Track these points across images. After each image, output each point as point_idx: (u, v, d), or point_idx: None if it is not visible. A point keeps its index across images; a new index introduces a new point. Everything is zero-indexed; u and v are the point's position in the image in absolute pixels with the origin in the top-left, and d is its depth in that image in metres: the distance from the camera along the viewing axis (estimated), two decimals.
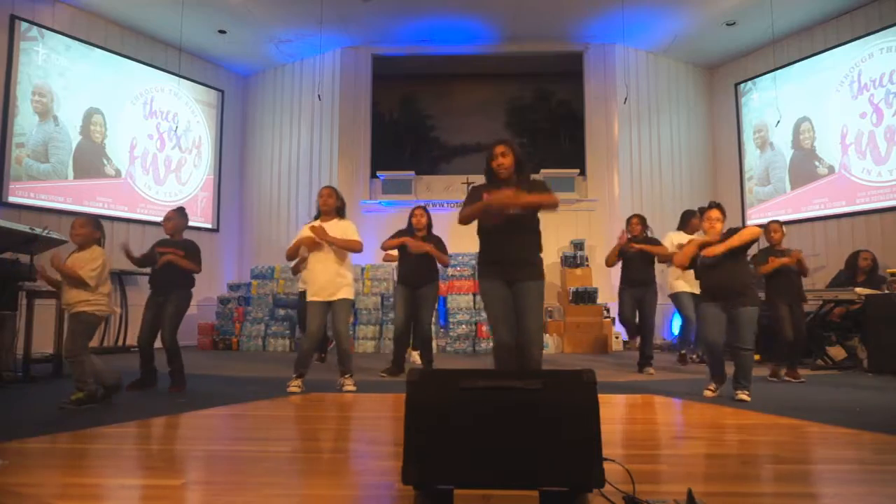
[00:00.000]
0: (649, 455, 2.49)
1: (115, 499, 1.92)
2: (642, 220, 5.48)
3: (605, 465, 1.57)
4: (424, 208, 5.18)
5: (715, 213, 3.97)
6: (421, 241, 4.94)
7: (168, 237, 4.43)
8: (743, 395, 3.75)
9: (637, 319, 5.40)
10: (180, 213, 4.49)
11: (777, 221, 5.01)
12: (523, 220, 3.04)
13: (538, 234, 3.15)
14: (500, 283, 3.05)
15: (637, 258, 5.29)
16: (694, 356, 5.97)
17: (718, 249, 3.81)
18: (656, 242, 5.38)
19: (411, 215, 5.11)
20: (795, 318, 4.76)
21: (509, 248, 3.05)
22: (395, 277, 5.21)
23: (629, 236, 5.40)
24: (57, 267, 3.48)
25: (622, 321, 5.52)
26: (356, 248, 4.18)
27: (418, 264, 4.96)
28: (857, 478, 2.13)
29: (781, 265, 4.70)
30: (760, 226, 4.45)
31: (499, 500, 1.76)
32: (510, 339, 3.02)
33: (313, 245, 4.11)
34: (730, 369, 3.94)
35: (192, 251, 4.36)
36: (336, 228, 4.16)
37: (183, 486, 1.98)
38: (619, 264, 5.48)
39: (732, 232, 3.91)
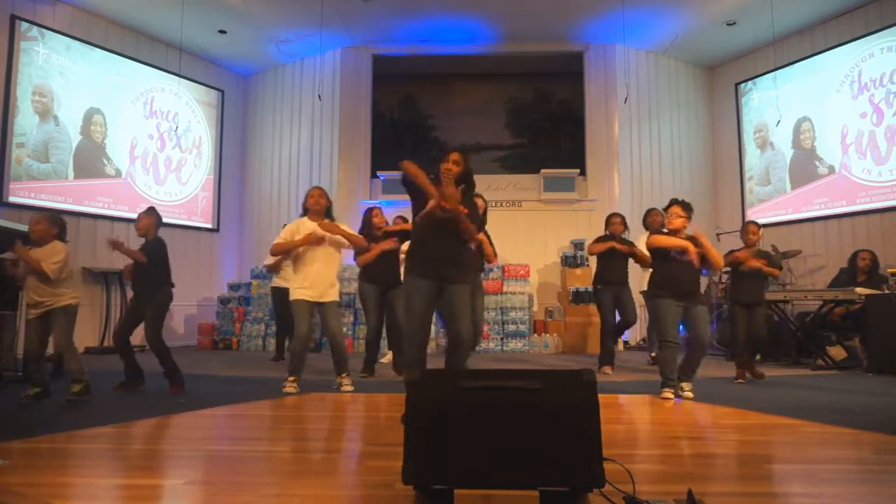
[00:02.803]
0: (649, 455, 2.49)
1: (114, 498, 1.92)
2: (624, 220, 5.48)
3: (605, 465, 1.57)
4: (380, 208, 5.22)
5: (677, 209, 4.01)
6: (388, 239, 4.86)
7: (142, 238, 4.32)
8: (689, 392, 3.84)
9: (618, 318, 5.41)
10: (149, 212, 4.37)
11: (755, 223, 5.06)
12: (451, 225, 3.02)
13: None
14: (430, 282, 3.02)
15: (620, 257, 5.27)
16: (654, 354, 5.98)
17: (693, 253, 3.89)
18: (631, 245, 5.36)
19: (372, 216, 5.06)
20: (751, 319, 4.82)
21: (443, 247, 3.03)
22: (361, 276, 4.99)
23: (610, 234, 5.40)
24: (20, 253, 3.57)
25: (609, 325, 5.31)
26: (362, 243, 4.28)
27: (388, 263, 4.87)
28: (857, 478, 2.13)
29: (742, 265, 4.78)
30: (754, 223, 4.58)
31: (499, 500, 1.76)
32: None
33: (318, 242, 4.08)
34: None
35: (150, 246, 4.21)
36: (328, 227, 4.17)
37: (183, 486, 1.98)
38: (598, 264, 5.42)
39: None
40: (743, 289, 4.87)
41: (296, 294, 4.10)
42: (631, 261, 5.33)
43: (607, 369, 5.21)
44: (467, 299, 3.09)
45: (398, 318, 4.87)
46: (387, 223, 5.09)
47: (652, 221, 5.59)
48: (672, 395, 3.84)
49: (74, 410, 3.36)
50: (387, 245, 4.82)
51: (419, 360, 3.03)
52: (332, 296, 4.17)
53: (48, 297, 3.61)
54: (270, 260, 5.69)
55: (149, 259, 4.13)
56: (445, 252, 3.01)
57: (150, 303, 4.16)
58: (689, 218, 4.02)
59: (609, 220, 5.48)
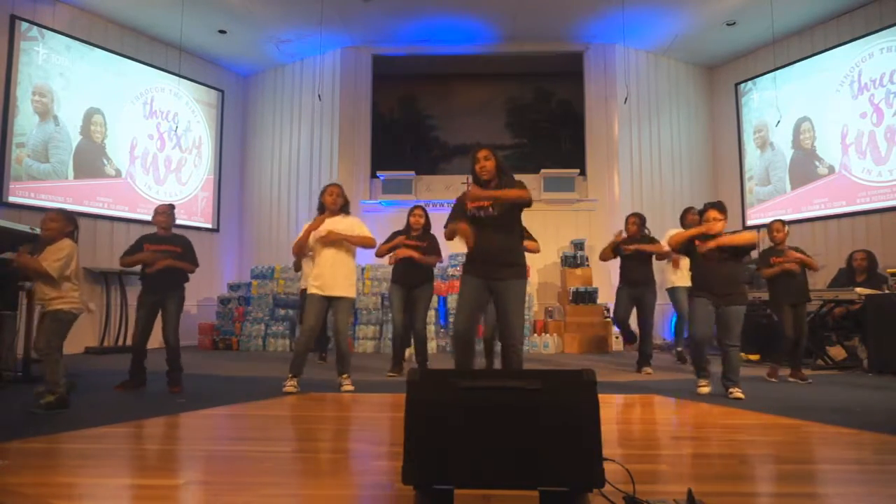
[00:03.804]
0: (649, 455, 2.49)
1: (114, 499, 1.92)
2: (640, 219, 5.46)
3: (605, 465, 1.57)
4: (424, 208, 5.19)
5: (713, 213, 3.99)
6: (406, 248, 4.94)
7: (156, 233, 4.36)
8: (737, 393, 3.80)
9: (636, 320, 5.39)
10: (172, 208, 4.44)
11: (780, 221, 5.02)
12: (502, 221, 3.20)
13: (519, 235, 3.35)
14: (479, 280, 3.20)
15: (634, 257, 5.28)
16: (679, 349, 6.02)
17: (710, 244, 3.89)
18: (653, 241, 5.36)
19: (410, 214, 5.13)
20: (797, 318, 4.77)
21: (490, 247, 3.19)
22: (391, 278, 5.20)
23: (625, 235, 5.41)
24: (18, 262, 3.44)
25: (616, 321, 5.48)
26: (371, 244, 4.26)
27: (413, 264, 4.96)
28: (857, 478, 2.13)
29: (782, 269, 4.74)
30: (763, 226, 4.49)
31: (499, 500, 1.76)
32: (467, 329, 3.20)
33: (325, 239, 4.09)
34: (717, 367, 4.02)
35: (188, 248, 4.33)
36: (343, 224, 4.16)
37: (183, 486, 1.98)
38: (619, 264, 5.46)
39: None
40: (787, 287, 4.78)
41: (309, 288, 4.20)
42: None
43: (648, 370, 5.22)
44: (516, 296, 3.19)
45: (418, 320, 5.01)
46: (426, 224, 5.08)
47: (690, 221, 5.61)
48: (706, 386, 3.94)
49: (72, 411, 3.34)
50: (400, 251, 4.93)
51: (468, 360, 3.16)
52: (344, 291, 4.15)
53: (45, 299, 3.45)
54: (294, 258, 6.01)
55: (194, 257, 4.33)
56: (491, 253, 3.17)
57: (175, 298, 4.19)
58: (725, 218, 4.02)
59: (626, 221, 5.53)
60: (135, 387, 4.16)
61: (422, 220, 5.07)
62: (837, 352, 5.92)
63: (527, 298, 7.68)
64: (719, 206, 4.03)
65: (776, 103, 8.17)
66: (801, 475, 2.15)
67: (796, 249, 4.87)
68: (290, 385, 4.04)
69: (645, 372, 5.18)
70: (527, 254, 4.63)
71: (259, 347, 7.79)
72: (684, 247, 4.09)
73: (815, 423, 3.02)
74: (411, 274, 4.98)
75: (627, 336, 5.50)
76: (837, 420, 3.07)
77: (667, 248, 5.10)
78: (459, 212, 3.27)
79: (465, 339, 3.17)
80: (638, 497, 1.68)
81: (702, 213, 4.12)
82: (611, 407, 3.59)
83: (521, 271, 3.25)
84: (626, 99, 8.23)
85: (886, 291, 5.53)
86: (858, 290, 5.49)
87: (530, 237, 4.73)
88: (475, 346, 3.30)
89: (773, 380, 4.76)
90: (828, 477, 2.11)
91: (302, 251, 4.29)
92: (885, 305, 5.26)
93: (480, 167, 3.28)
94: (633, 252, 5.25)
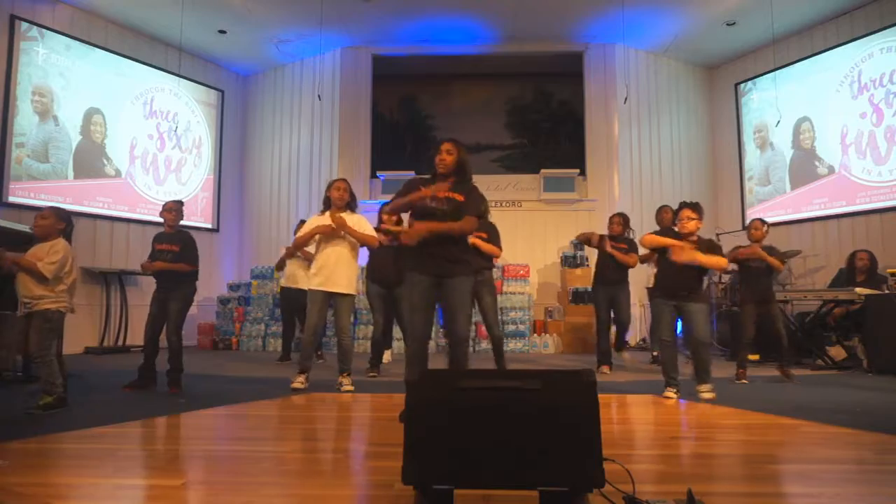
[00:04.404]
0: (649, 455, 2.49)
1: (114, 499, 1.92)
2: (624, 219, 5.45)
3: (605, 465, 1.57)
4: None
5: (686, 213, 3.93)
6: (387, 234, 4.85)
7: (164, 230, 4.35)
8: (707, 394, 3.73)
9: (613, 319, 5.40)
10: (179, 205, 4.41)
11: (759, 220, 5.03)
12: (453, 218, 3.02)
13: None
14: (427, 277, 3.04)
15: (611, 257, 5.27)
16: (655, 353, 6.00)
17: (684, 257, 3.78)
18: (632, 244, 5.33)
19: (382, 211, 5.00)
20: (771, 317, 4.78)
21: (438, 242, 3.02)
22: (367, 276, 5.02)
23: (609, 234, 5.42)
24: (13, 261, 3.31)
25: (600, 320, 5.36)
26: (373, 242, 4.23)
27: (387, 261, 4.81)
28: (857, 478, 2.13)
29: (741, 261, 4.81)
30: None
31: (499, 500, 1.76)
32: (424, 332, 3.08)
33: (329, 234, 4.09)
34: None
35: (187, 246, 4.25)
36: (349, 220, 4.14)
37: (183, 486, 1.97)
38: (595, 263, 5.49)
39: (705, 242, 3.93)
40: (754, 286, 4.83)
41: (310, 284, 4.20)
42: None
43: (605, 369, 5.23)
44: (465, 294, 3.06)
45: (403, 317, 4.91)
46: (398, 221, 5.04)
47: (662, 218, 5.61)
48: (673, 395, 3.83)
49: (72, 411, 3.34)
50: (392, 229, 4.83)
51: (419, 358, 3.04)
52: (345, 288, 4.14)
53: (31, 297, 3.32)
54: (280, 255, 6.13)
55: (191, 256, 4.24)
56: (437, 248, 3.01)
57: (177, 297, 4.16)
58: (700, 218, 3.94)
59: (609, 221, 5.52)
60: (142, 387, 4.12)
61: (394, 218, 5.05)
62: (837, 352, 5.91)
63: (526, 298, 7.75)
64: (693, 206, 3.95)
65: (776, 103, 8.17)
66: (800, 475, 2.15)
67: (770, 249, 4.83)
68: (299, 381, 4.09)
69: (623, 357, 5.29)
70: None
71: (259, 347, 7.79)
72: (657, 250, 4.06)
73: (815, 423, 3.01)
74: (388, 272, 4.84)
75: (618, 336, 5.45)
76: (837, 420, 3.07)
77: (633, 261, 5.17)
78: (409, 193, 3.11)
79: (423, 342, 3.06)
80: (638, 497, 1.68)
81: (677, 212, 4.08)
82: (611, 407, 3.59)
83: (470, 268, 3.12)
84: (625, 99, 8.23)
85: (886, 291, 5.53)
86: (858, 290, 5.49)
87: (492, 238, 4.62)
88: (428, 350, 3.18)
89: (744, 381, 4.66)
90: (828, 477, 2.11)
91: (303, 246, 4.27)
92: (885, 305, 5.26)
93: (440, 159, 3.09)
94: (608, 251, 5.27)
